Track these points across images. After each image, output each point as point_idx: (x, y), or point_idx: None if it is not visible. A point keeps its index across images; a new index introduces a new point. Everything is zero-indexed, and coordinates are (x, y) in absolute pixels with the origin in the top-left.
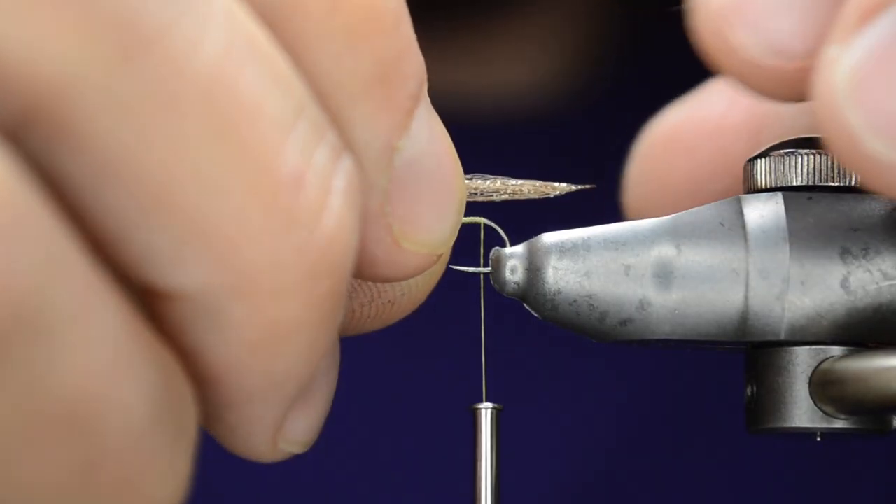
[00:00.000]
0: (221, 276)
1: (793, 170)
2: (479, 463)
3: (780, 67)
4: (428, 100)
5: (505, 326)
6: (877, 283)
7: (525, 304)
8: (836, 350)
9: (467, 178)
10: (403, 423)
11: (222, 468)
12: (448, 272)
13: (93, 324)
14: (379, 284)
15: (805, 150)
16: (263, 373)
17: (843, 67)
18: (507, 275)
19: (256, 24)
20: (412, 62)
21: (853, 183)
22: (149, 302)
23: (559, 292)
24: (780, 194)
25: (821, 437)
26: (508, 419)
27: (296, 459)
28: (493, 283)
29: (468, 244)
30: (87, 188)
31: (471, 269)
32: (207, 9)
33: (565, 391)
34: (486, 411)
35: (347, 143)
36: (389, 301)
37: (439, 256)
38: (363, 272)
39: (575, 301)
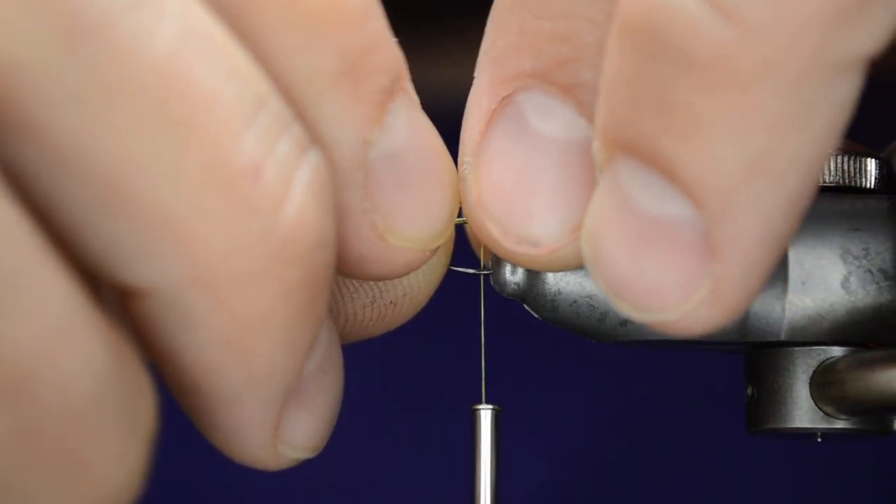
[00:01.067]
0: (182, 269)
1: None
2: (478, 464)
3: (535, 254)
4: (410, 93)
5: (505, 327)
6: (877, 283)
7: (525, 305)
8: (836, 350)
9: None
10: (403, 423)
11: (220, 468)
12: (448, 273)
13: (34, 293)
14: (380, 285)
15: None
16: (243, 370)
17: (471, 184)
18: (508, 275)
19: (212, 18)
20: (382, 56)
21: (854, 183)
22: (126, 305)
23: (559, 293)
24: None
25: (821, 437)
26: (508, 419)
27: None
28: (494, 284)
29: (469, 245)
30: (41, 178)
31: (471, 270)
32: (160, 0)
33: (565, 392)
34: (485, 412)
35: (317, 137)
36: (391, 302)
37: (433, 251)
38: (354, 270)
39: (575, 302)
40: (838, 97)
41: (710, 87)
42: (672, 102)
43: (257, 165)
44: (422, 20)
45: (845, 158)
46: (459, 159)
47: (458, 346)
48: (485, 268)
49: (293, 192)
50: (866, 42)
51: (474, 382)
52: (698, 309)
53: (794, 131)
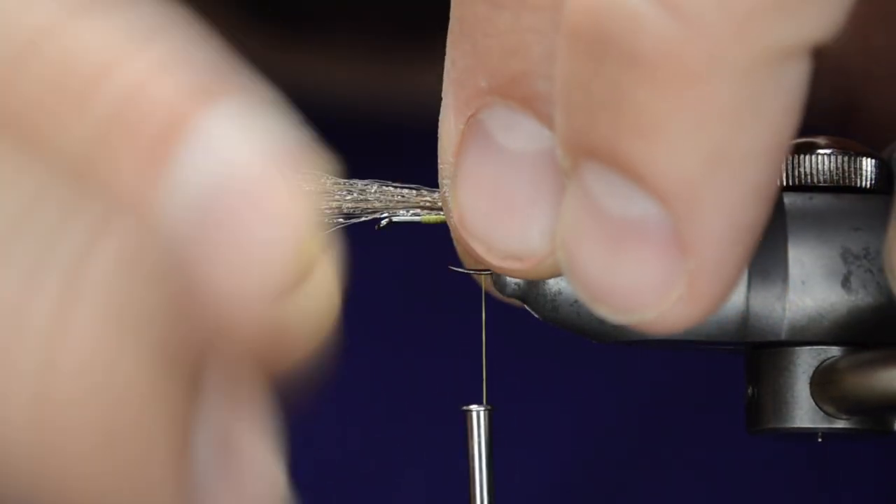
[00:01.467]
0: None
1: (796, 170)
2: (472, 464)
3: (520, 268)
4: (211, 130)
5: (504, 327)
6: (877, 283)
7: (525, 305)
8: (836, 350)
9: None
10: (403, 423)
11: None
12: (448, 273)
13: None
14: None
15: (809, 152)
16: None
17: (450, 205)
18: (507, 276)
19: None
20: (141, 105)
21: (853, 183)
22: None
23: (560, 293)
24: (780, 194)
25: (822, 437)
26: (508, 419)
27: (293, 458)
28: (494, 284)
29: None
30: None
31: (471, 270)
32: None
33: (565, 392)
34: (477, 413)
35: (106, 212)
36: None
37: (290, 285)
38: (214, 327)
39: (576, 302)
40: (788, 84)
41: (660, 84)
42: (625, 102)
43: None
44: (411, 28)
45: (844, 158)
46: (439, 181)
47: (459, 347)
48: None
49: (71, 332)
50: (812, 28)
51: (474, 383)
52: (676, 306)
53: (748, 121)
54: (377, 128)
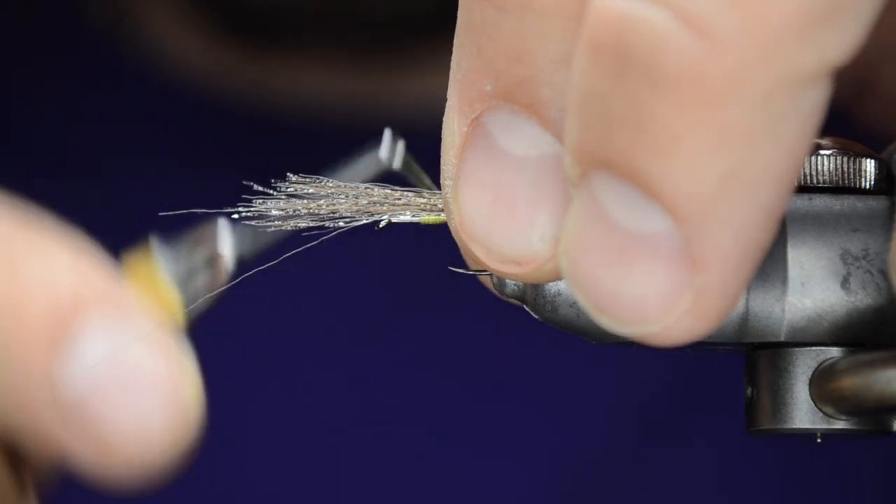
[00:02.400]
0: None
1: (809, 170)
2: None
3: (519, 272)
4: (104, 314)
5: (504, 327)
6: (877, 284)
7: (525, 306)
8: (836, 351)
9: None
10: (402, 422)
11: (218, 470)
12: (449, 273)
13: None
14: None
15: (809, 152)
16: None
17: (451, 207)
18: (507, 279)
19: None
20: (40, 292)
21: (853, 184)
22: None
23: (559, 294)
24: None
25: (821, 438)
26: (508, 419)
27: (292, 458)
28: (493, 285)
29: None
30: None
31: (471, 271)
32: None
33: (565, 392)
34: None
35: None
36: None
37: (168, 456)
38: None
39: (575, 303)
40: (808, 107)
41: (681, 102)
42: (645, 118)
43: None
44: (389, 37)
45: (844, 159)
46: (441, 182)
47: (460, 346)
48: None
49: None
50: (834, 52)
51: (475, 383)
52: (681, 320)
53: (766, 142)
54: (356, 137)
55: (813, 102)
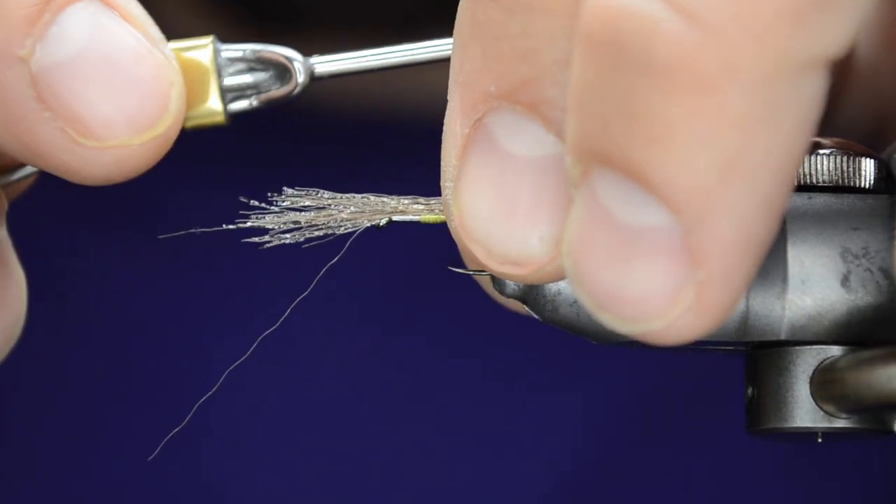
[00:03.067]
0: None
1: (808, 169)
2: None
3: (519, 273)
4: (97, 4)
5: (504, 328)
6: (877, 283)
7: (525, 306)
8: (836, 349)
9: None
10: (401, 422)
11: (216, 472)
12: (449, 273)
13: None
14: None
15: (809, 152)
16: None
17: (452, 208)
18: (507, 279)
19: None
20: None
21: (853, 183)
22: None
23: (559, 293)
24: None
25: (822, 437)
26: (508, 419)
27: (295, 456)
28: (494, 285)
29: None
30: None
31: (471, 271)
32: None
33: (565, 392)
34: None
35: None
36: None
37: (143, 144)
38: (67, 176)
39: (575, 302)
40: (805, 96)
41: (676, 92)
42: (641, 110)
43: None
44: (408, 24)
45: (844, 158)
46: (441, 184)
47: (459, 346)
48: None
49: None
50: (830, 41)
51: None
52: (684, 316)
53: (763, 132)
54: (374, 125)
55: (810, 92)
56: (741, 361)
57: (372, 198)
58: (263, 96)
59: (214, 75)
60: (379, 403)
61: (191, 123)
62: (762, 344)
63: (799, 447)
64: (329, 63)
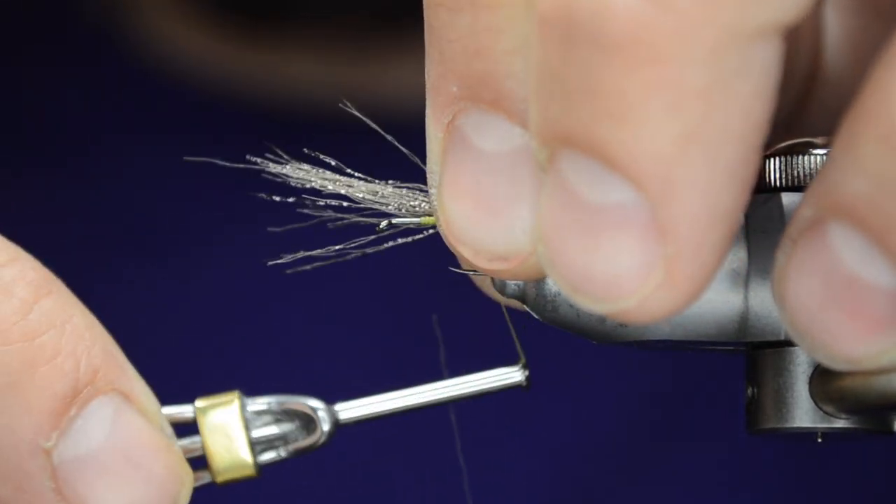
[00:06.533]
0: None
1: (793, 170)
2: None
3: (508, 268)
4: (118, 392)
5: (503, 328)
6: None
7: (525, 306)
8: None
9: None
10: (401, 422)
11: None
12: (449, 273)
13: None
14: None
15: (805, 152)
16: None
17: (438, 212)
18: (499, 278)
19: None
20: (57, 367)
21: None
22: None
23: (559, 293)
24: (779, 194)
25: (821, 437)
26: (508, 419)
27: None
28: (493, 286)
29: None
30: None
31: (471, 271)
32: None
33: (564, 392)
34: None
35: None
36: None
37: None
38: None
39: None
40: (760, 64)
41: (630, 66)
42: (598, 87)
43: None
44: (387, 22)
45: None
46: (429, 189)
47: (459, 346)
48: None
49: None
50: (782, 8)
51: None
52: (656, 293)
53: (720, 101)
54: (350, 125)
55: (765, 60)
56: (741, 361)
57: (389, 187)
58: (291, 447)
59: (243, 430)
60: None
61: (222, 478)
62: (762, 344)
63: (799, 447)
64: (353, 409)
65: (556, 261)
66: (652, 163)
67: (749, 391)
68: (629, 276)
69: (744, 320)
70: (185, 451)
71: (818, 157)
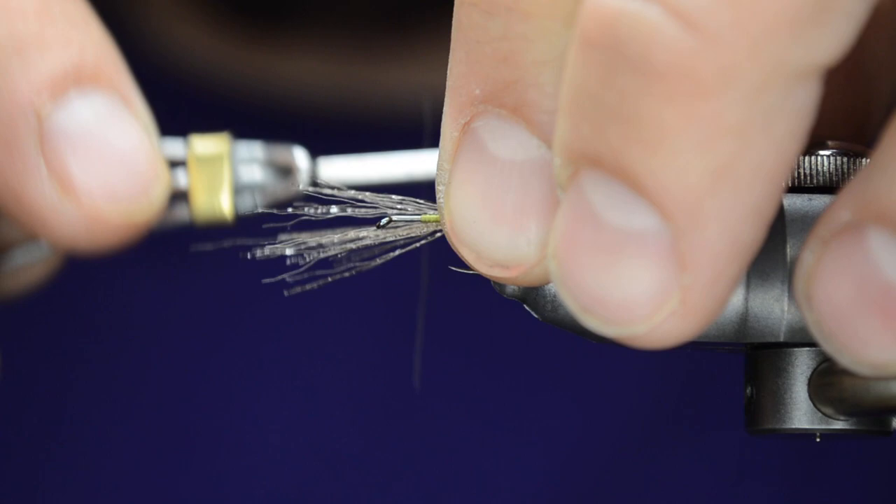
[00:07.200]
0: None
1: (796, 171)
2: None
3: (508, 276)
4: (116, 94)
5: (504, 327)
6: None
7: (525, 306)
8: None
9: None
10: (399, 419)
11: (213, 473)
12: (449, 273)
13: None
14: None
15: (808, 153)
16: None
17: (444, 212)
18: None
19: None
20: (58, 46)
21: None
22: None
23: (559, 294)
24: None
25: (820, 438)
26: (508, 419)
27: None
28: (494, 285)
29: None
30: None
31: (471, 271)
32: None
33: (565, 392)
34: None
35: None
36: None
37: (116, 222)
38: (37, 230)
39: None
40: (799, 104)
41: (672, 97)
42: (636, 113)
43: None
44: (392, 22)
45: (843, 159)
46: (436, 187)
47: (459, 345)
48: None
49: None
50: (825, 50)
51: (475, 381)
52: (668, 321)
53: (757, 139)
54: (353, 124)
55: (803, 100)
56: (741, 361)
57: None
58: (269, 195)
59: (229, 174)
60: (378, 404)
61: (200, 219)
62: (761, 345)
63: (799, 447)
64: (335, 167)
65: (567, 279)
66: (681, 193)
67: (748, 391)
68: (642, 303)
69: (743, 321)
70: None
71: (823, 159)
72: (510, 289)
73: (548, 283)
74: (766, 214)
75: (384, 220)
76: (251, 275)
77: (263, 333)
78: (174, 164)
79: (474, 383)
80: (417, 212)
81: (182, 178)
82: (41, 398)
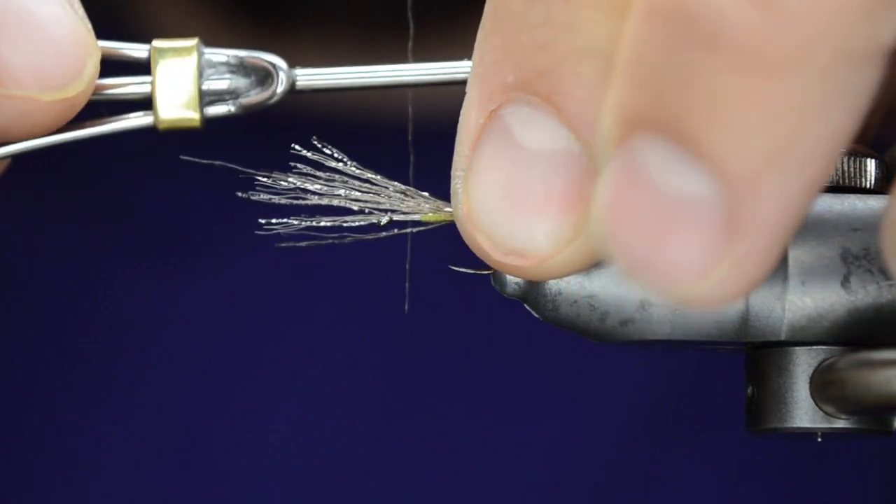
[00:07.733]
0: None
1: None
2: None
3: (523, 265)
4: None
5: (504, 327)
6: (877, 283)
7: (526, 305)
8: (836, 350)
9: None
10: (399, 419)
11: (212, 470)
12: (449, 273)
13: None
14: None
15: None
16: None
17: (461, 198)
18: (508, 275)
19: None
20: None
21: (854, 183)
22: None
23: (560, 293)
24: None
25: (821, 437)
26: (508, 419)
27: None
28: (494, 284)
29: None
30: None
31: (471, 270)
32: None
33: (565, 392)
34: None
35: None
36: None
37: (50, 103)
38: None
39: (576, 302)
40: (862, 85)
41: (741, 72)
42: (704, 84)
43: None
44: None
45: (845, 158)
46: (452, 173)
47: (459, 345)
48: (485, 267)
49: None
50: (892, 31)
51: (474, 381)
52: (716, 286)
53: (820, 117)
54: (368, 124)
55: (867, 81)
56: (741, 361)
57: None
58: (242, 101)
59: (196, 78)
60: (378, 404)
61: (166, 125)
62: (762, 344)
63: (799, 447)
64: (312, 77)
65: (616, 241)
66: (742, 164)
67: (749, 391)
68: (692, 269)
69: (744, 320)
70: (134, 91)
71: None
72: (511, 288)
73: (563, 275)
74: (817, 188)
75: (384, 220)
76: (251, 275)
77: (263, 333)
78: (138, 66)
79: (474, 383)
80: (418, 209)
81: (147, 82)
82: (40, 397)
